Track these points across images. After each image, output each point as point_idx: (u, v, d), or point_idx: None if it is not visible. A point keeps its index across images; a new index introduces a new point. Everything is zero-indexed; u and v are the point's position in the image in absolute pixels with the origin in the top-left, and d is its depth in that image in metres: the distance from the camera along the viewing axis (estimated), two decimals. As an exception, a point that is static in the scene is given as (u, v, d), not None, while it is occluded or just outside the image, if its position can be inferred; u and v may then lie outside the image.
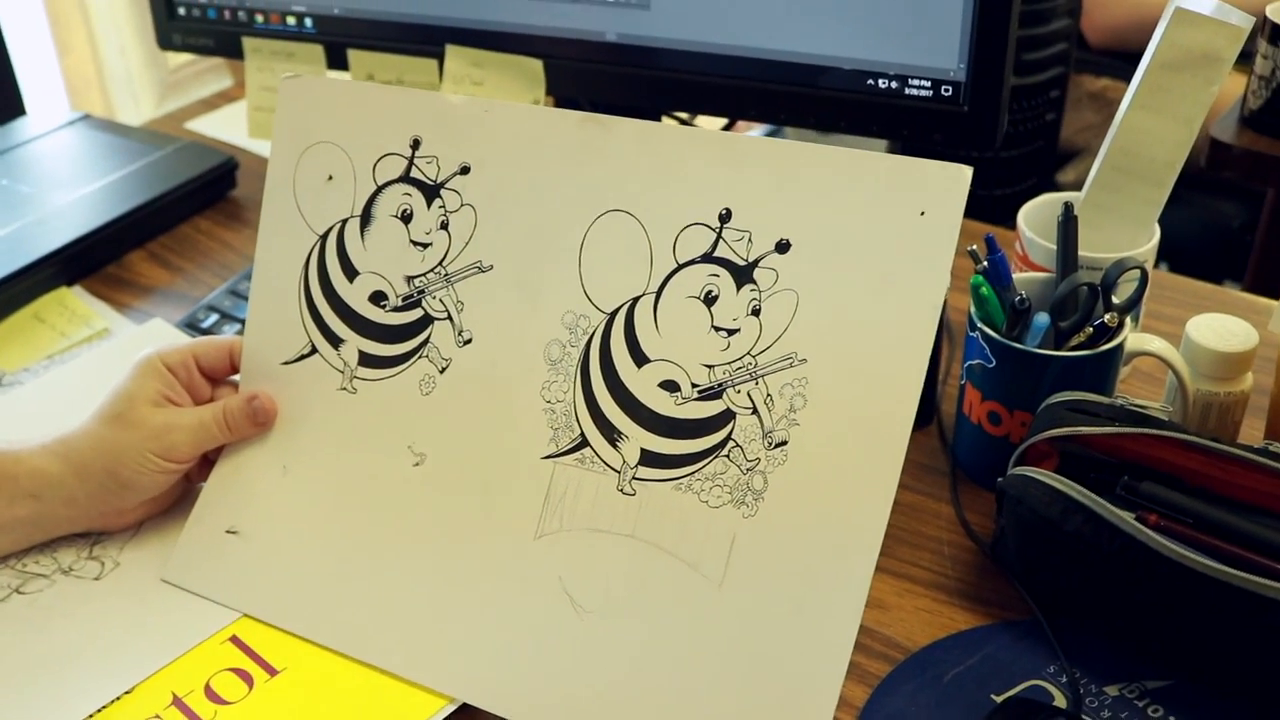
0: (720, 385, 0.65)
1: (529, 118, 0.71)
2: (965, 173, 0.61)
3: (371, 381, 0.74)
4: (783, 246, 0.64)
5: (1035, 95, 1.33)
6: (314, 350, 0.76)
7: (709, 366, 0.66)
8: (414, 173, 0.74)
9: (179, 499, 0.80)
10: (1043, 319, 0.74)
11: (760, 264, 0.65)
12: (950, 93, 0.83)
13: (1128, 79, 1.72)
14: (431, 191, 0.73)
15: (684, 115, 1.14)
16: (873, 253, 0.63)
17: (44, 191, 1.14)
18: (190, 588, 0.75)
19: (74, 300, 1.05)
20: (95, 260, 1.10)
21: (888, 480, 0.61)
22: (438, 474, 0.71)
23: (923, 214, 0.61)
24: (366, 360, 0.74)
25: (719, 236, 0.66)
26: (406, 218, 0.73)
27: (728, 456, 0.65)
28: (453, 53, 0.98)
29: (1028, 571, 0.72)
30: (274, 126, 0.77)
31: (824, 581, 0.62)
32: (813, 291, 0.64)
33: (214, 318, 0.99)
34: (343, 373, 0.75)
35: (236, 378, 0.79)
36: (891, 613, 0.72)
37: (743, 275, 0.65)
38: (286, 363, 0.77)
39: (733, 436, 0.65)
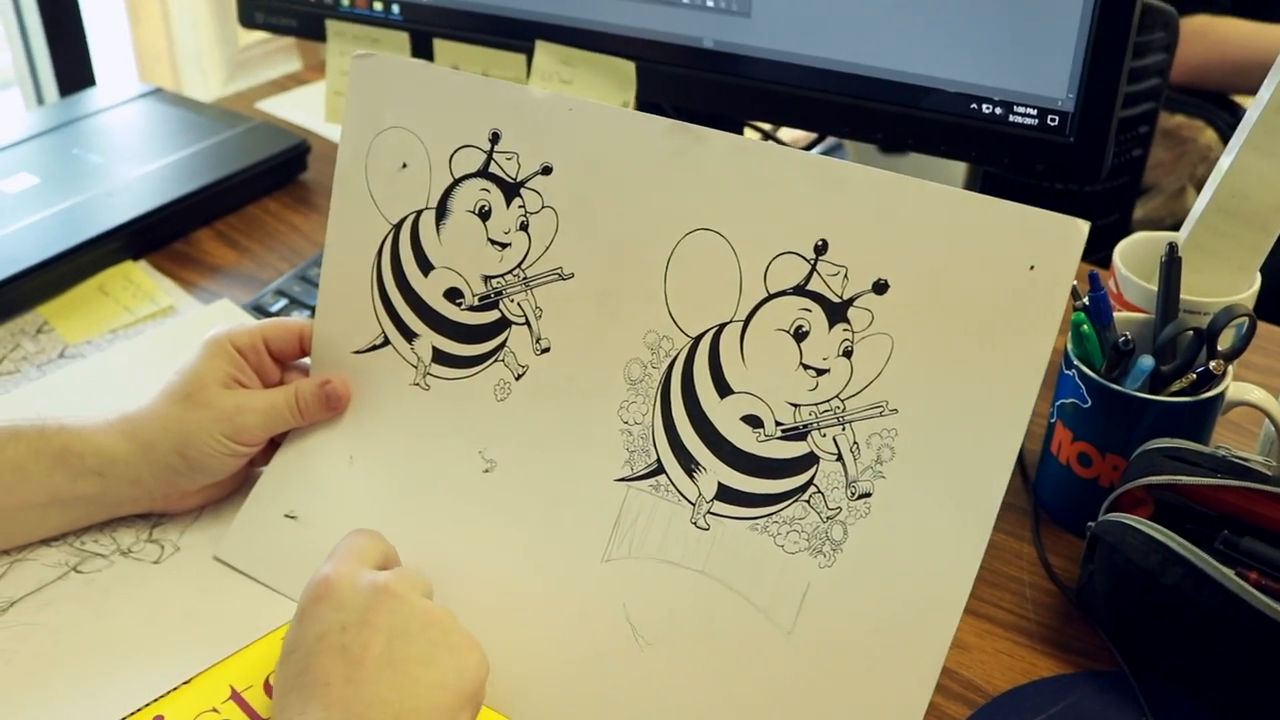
0: (805, 426, 0.62)
1: (615, 121, 0.68)
2: (1081, 229, 0.57)
3: (445, 380, 0.72)
4: (880, 287, 0.61)
5: (1125, 130, 1.30)
6: (386, 341, 0.74)
7: (795, 405, 0.63)
8: (493, 168, 0.71)
9: (241, 484, 0.78)
10: (1147, 362, 0.72)
11: (855, 303, 0.62)
12: (1056, 123, 0.81)
13: (1203, 117, 1.69)
14: (511, 190, 0.70)
15: (766, 126, 1.12)
16: (975, 304, 0.59)
17: (114, 163, 1.13)
18: (241, 567, 0.74)
19: (140, 275, 1.04)
20: (163, 236, 1.08)
21: (973, 548, 0.58)
22: (507, 484, 0.69)
23: (1032, 268, 0.58)
24: (441, 358, 0.73)
25: (813, 269, 0.63)
26: (485, 214, 0.71)
27: (808, 502, 0.62)
28: (543, 49, 0.96)
29: (1116, 621, 0.69)
30: (345, 107, 0.75)
31: (899, 643, 0.59)
32: (908, 338, 0.60)
33: (283, 302, 0.97)
34: (416, 368, 0.73)
35: (305, 361, 0.77)
36: (971, 653, 0.70)
37: (836, 313, 0.62)
38: (358, 352, 0.75)
39: (815, 482, 0.62)
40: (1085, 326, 0.74)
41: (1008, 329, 0.58)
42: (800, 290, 0.63)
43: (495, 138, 0.70)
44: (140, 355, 0.93)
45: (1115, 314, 0.76)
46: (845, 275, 0.62)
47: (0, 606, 0.72)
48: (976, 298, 0.59)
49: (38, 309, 1.00)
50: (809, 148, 1.08)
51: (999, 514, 0.78)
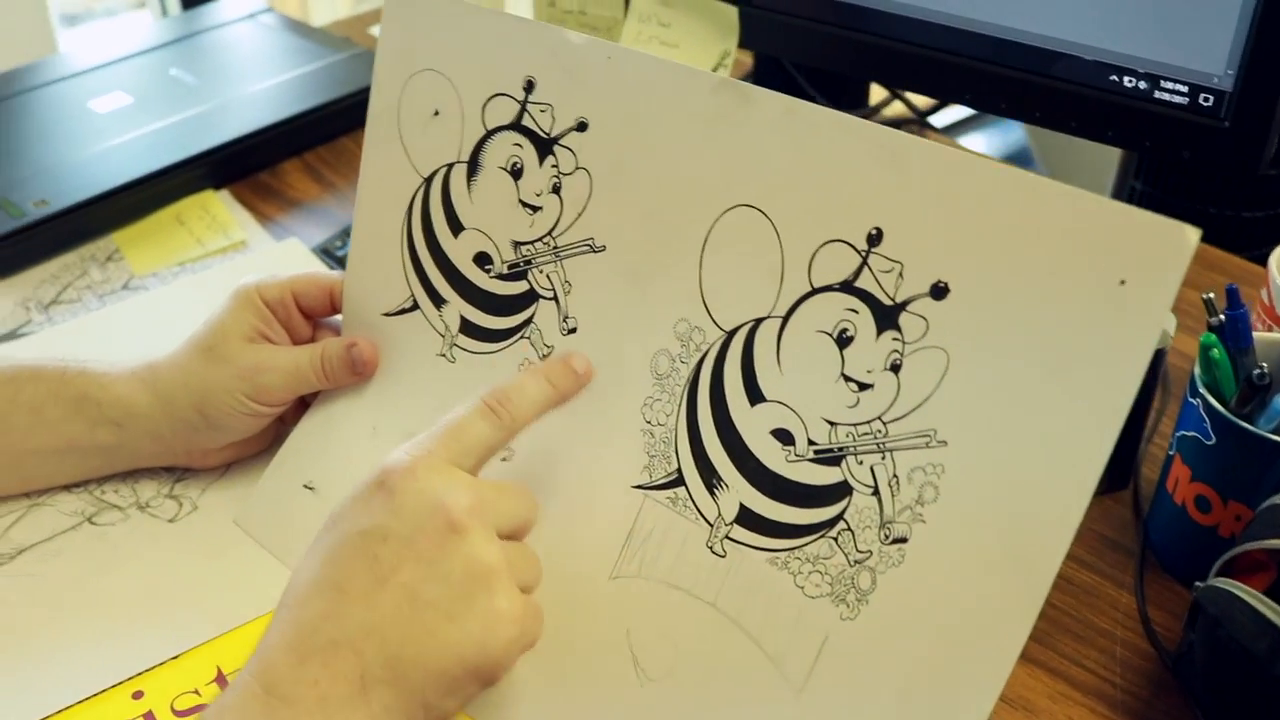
0: (840, 450, 0.53)
1: (656, 72, 0.59)
2: (1189, 239, 0.45)
3: (471, 353, 0.65)
4: (939, 291, 0.51)
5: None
6: (416, 306, 0.68)
7: (831, 423, 0.54)
8: (526, 120, 0.63)
9: (270, 443, 0.74)
10: (1285, 401, 0.61)
11: (909, 307, 0.52)
12: (1210, 103, 0.69)
13: None
14: (545, 146, 0.63)
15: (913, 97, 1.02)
16: (1050, 322, 0.48)
17: (209, 86, 1.09)
18: (256, 537, 0.70)
19: (218, 205, 1.00)
20: (247, 165, 1.04)
21: (1023, 614, 0.48)
22: (522, 477, 0.62)
23: (1123, 283, 0.46)
24: (468, 328, 0.66)
25: (864, 262, 0.53)
26: (517, 172, 0.63)
27: (835, 540, 0.53)
28: (641, -13, 0.87)
29: (1214, 704, 0.59)
30: (379, 45, 0.68)
31: (925, 718, 0.50)
32: (967, 357, 0.50)
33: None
34: (443, 337, 0.66)
35: (337, 319, 0.72)
36: (1040, 719, 0.61)
37: (886, 318, 0.52)
38: (388, 314, 0.69)
39: (845, 517, 0.53)
40: (1216, 351, 0.62)
41: (1087, 358, 0.47)
42: (848, 287, 0.53)
43: (530, 86, 0.63)
44: (200, 293, 0.89)
45: (1258, 335, 0.65)
46: (900, 274, 0.52)
47: (10, 553, 0.69)
48: (1052, 314, 0.48)
49: (112, 235, 0.97)
50: (947, 130, 0.97)
51: (1099, 552, 0.69)
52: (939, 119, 2.11)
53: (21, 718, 0.60)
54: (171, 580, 0.68)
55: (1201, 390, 0.63)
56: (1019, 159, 2.13)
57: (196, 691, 0.62)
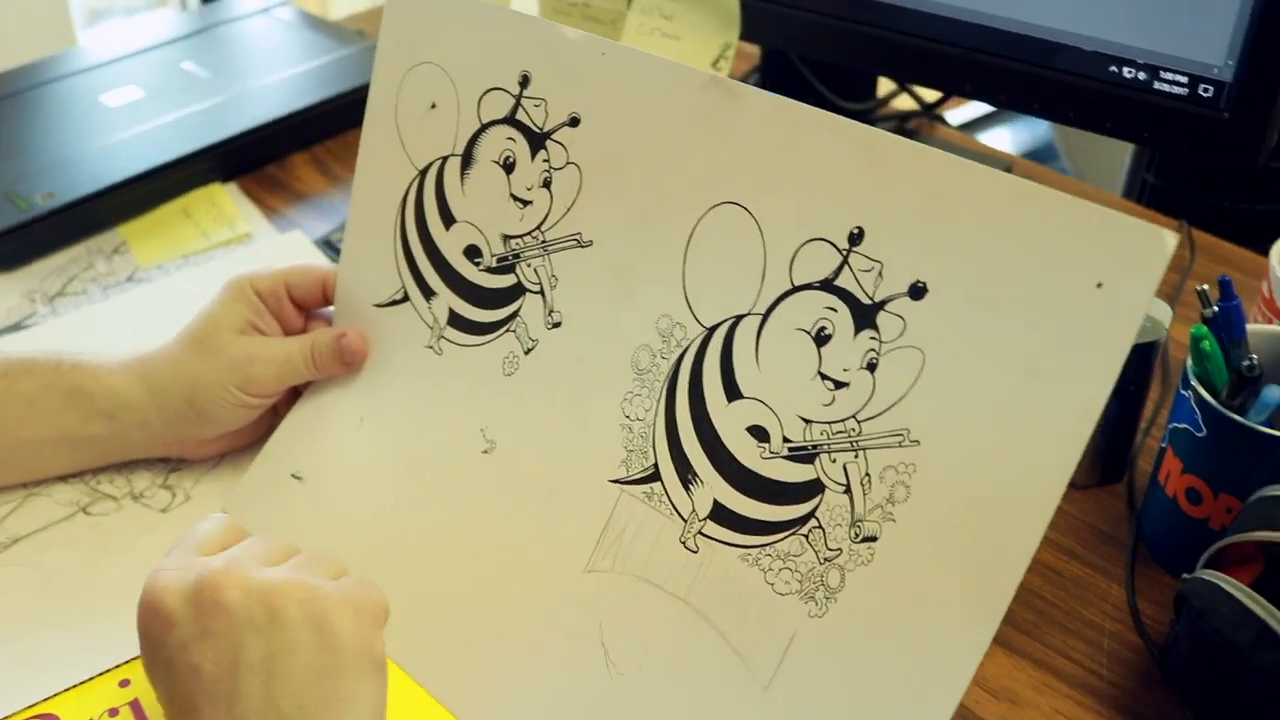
0: (815, 447, 0.53)
1: (647, 69, 0.59)
2: (1166, 242, 0.44)
3: (458, 346, 0.65)
4: (917, 291, 0.50)
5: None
6: (406, 298, 0.68)
7: (806, 421, 0.53)
8: (520, 115, 0.63)
9: (264, 433, 0.74)
10: (1275, 393, 0.60)
11: (887, 307, 0.51)
12: (1209, 94, 0.68)
13: None
14: (537, 141, 0.63)
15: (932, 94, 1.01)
16: (1026, 324, 0.48)
17: (220, 79, 1.09)
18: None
19: (225, 198, 1.00)
20: (256, 158, 1.04)
21: (989, 615, 0.48)
22: (503, 470, 0.62)
23: (1100, 286, 0.46)
24: (455, 321, 0.66)
25: (845, 261, 0.52)
26: (509, 166, 0.63)
27: (806, 537, 0.53)
28: (641, -21, 0.87)
29: (1199, 698, 0.58)
30: (380, 37, 0.69)
31: (890, 716, 0.50)
32: (942, 357, 0.50)
33: (352, 238, 0.92)
34: (431, 329, 0.67)
35: (330, 311, 0.72)
36: (1024, 711, 0.60)
37: (864, 317, 0.52)
38: (379, 305, 0.69)
39: (816, 514, 0.53)
40: (1207, 343, 0.62)
41: (1062, 360, 0.47)
42: (828, 285, 0.53)
43: (525, 81, 0.63)
44: (201, 285, 0.88)
45: (1251, 328, 0.64)
46: (880, 273, 0.51)
47: (5, 542, 0.70)
48: (1028, 316, 0.48)
49: (118, 228, 0.97)
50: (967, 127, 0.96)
51: (1092, 544, 0.69)
52: (960, 115, 2.09)
53: (11, 704, 0.61)
54: (162, 570, 0.68)
55: (1193, 382, 0.62)
56: (1043, 154, 2.11)
57: (175, 685, 0.62)
